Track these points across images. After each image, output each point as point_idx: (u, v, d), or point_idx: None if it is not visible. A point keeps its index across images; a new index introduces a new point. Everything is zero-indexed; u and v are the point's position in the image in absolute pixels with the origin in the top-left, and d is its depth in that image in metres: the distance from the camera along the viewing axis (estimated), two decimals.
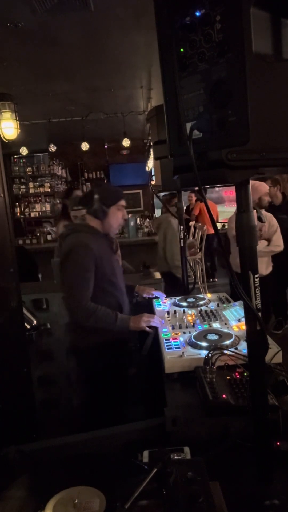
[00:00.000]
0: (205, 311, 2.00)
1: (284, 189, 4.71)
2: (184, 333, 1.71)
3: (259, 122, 0.73)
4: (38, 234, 7.51)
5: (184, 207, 6.61)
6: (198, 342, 1.56)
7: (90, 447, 1.19)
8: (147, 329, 1.92)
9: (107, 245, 2.13)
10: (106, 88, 6.16)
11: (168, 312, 2.05)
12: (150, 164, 8.18)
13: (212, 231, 6.05)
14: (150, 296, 2.41)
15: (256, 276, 0.87)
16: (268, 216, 3.57)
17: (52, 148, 8.55)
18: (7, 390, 1.91)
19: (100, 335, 2.00)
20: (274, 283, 3.89)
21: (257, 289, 0.87)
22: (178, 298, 2.33)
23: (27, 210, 9.47)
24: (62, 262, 2.02)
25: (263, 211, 3.58)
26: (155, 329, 1.89)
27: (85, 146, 8.08)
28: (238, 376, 1.31)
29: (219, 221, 8.41)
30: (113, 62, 5.14)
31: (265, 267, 3.61)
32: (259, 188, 3.46)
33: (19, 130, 4.95)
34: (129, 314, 2.11)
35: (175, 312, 2.05)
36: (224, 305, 2.09)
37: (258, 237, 3.44)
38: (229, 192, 11.30)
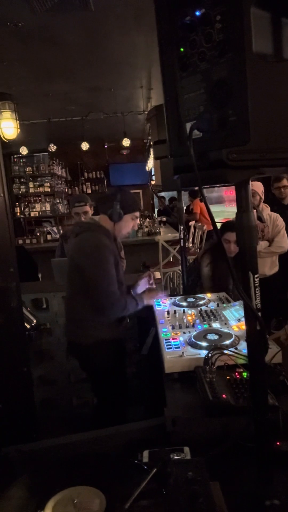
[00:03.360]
0: (205, 311, 2.00)
1: None
2: (184, 333, 1.71)
3: (259, 122, 0.73)
4: (38, 234, 7.50)
5: (184, 207, 6.62)
6: (198, 342, 1.56)
7: (90, 447, 1.19)
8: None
9: (116, 249, 2.18)
10: (106, 88, 6.16)
11: (168, 312, 2.05)
12: (150, 164, 8.18)
13: (211, 228, 6.05)
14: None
15: (256, 276, 0.87)
16: (273, 216, 3.52)
17: (52, 148, 8.55)
18: (7, 390, 1.91)
19: (102, 331, 2.06)
20: (281, 283, 3.79)
21: (257, 289, 0.87)
22: (178, 298, 2.32)
23: (27, 210, 9.47)
24: (83, 261, 2.03)
25: (268, 211, 3.54)
26: (155, 328, 1.90)
27: (85, 146, 8.08)
28: (238, 376, 1.31)
29: (217, 221, 8.43)
30: (113, 62, 5.14)
31: (268, 267, 3.54)
32: (253, 188, 3.41)
33: (19, 130, 4.96)
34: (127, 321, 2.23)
35: (175, 312, 2.05)
36: (224, 305, 2.09)
37: (260, 238, 3.41)
38: (229, 192, 11.31)
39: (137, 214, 2.19)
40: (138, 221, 2.24)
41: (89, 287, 2.04)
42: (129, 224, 2.17)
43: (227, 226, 2.66)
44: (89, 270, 2.03)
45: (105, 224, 2.14)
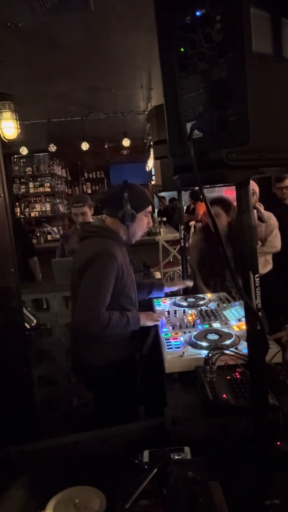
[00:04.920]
0: (205, 311, 2.00)
1: None
2: (184, 333, 1.71)
3: (259, 122, 0.73)
4: (38, 234, 7.50)
5: (184, 207, 6.61)
6: (198, 342, 1.56)
7: (90, 447, 1.19)
8: (161, 321, 1.88)
9: (127, 255, 1.95)
10: (106, 88, 6.16)
11: (168, 312, 2.05)
12: (150, 164, 8.17)
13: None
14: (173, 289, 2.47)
15: (256, 276, 0.87)
16: (266, 215, 3.52)
17: (52, 148, 8.56)
18: (7, 390, 1.91)
19: (112, 352, 1.87)
20: (276, 281, 3.80)
21: (257, 289, 0.87)
22: (178, 298, 2.33)
23: (27, 210, 9.47)
24: (81, 269, 1.81)
25: (262, 210, 3.54)
26: (155, 328, 1.89)
27: (85, 146, 8.08)
28: (238, 376, 1.31)
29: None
30: (113, 62, 5.14)
31: (262, 265, 3.52)
32: (252, 187, 3.42)
33: (19, 130, 4.95)
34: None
35: (175, 312, 2.05)
36: (224, 304, 2.09)
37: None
38: (229, 192, 11.30)
39: (150, 209, 1.93)
40: (150, 217, 1.95)
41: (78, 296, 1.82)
42: (144, 223, 1.91)
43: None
44: (83, 278, 1.79)
45: (115, 227, 1.89)
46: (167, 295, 2.61)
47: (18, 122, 4.90)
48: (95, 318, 1.72)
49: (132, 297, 1.97)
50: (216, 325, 1.79)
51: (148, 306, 2.36)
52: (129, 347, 1.96)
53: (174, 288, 2.56)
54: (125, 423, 1.36)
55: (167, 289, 2.43)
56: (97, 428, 1.26)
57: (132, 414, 1.98)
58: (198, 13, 0.78)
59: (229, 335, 1.59)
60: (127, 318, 1.83)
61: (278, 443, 1.04)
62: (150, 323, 1.90)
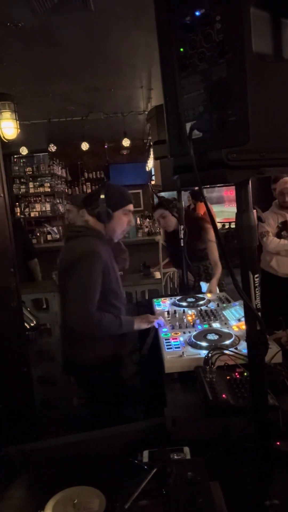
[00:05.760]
0: (205, 311, 2.00)
1: None
2: (184, 333, 1.71)
3: (259, 122, 0.73)
4: (38, 234, 7.51)
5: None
6: (198, 342, 1.56)
7: (90, 447, 1.19)
8: (156, 324, 1.88)
9: (111, 252, 2.00)
10: (106, 88, 6.15)
11: (168, 312, 2.05)
12: (150, 164, 8.17)
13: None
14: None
15: (256, 276, 0.87)
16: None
17: (52, 148, 8.55)
18: (7, 390, 1.91)
19: (101, 349, 1.90)
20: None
21: (257, 289, 0.87)
22: (178, 298, 2.33)
23: (27, 210, 9.47)
24: (69, 269, 1.85)
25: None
26: (155, 328, 1.89)
27: (85, 146, 8.07)
28: (238, 376, 1.31)
29: (218, 221, 8.41)
30: (113, 62, 5.14)
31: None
32: None
33: (19, 130, 4.95)
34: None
35: (175, 312, 2.05)
36: (224, 305, 2.09)
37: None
38: (229, 192, 11.31)
39: (130, 207, 1.97)
40: (131, 215, 2.00)
41: (67, 296, 1.85)
42: (123, 221, 1.95)
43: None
44: (71, 279, 1.83)
45: (97, 226, 1.94)
46: (167, 295, 2.61)
47: (18, 122, 4.89)
48: (86, 317, 1.78)
49: (118, 292, 2.00)
50: (215, 325, 1.79)
51: (148, 307, 2.36)
52: (119, 342, 1.98)
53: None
54: (118, 419, 1.37)
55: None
56: (92, 425, 1.26)
57: (125, 410, 2.01)
58: (197, 13, 0.78)
59: (228, 335, 1.59)
60: (120, 320, 1.88)
61: (278, 443, 1.04)
62: (145, 326, 1.92)
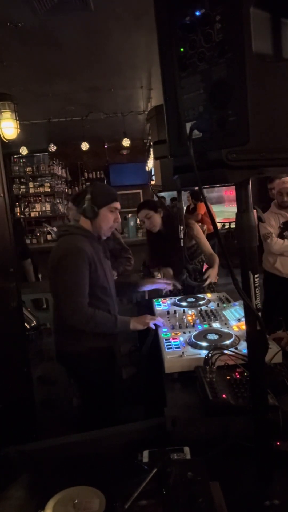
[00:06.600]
0: (205, 311, 2.00)
1: None
2: (184, 333, 1.71)
3: (259, 122, 0.73)
4: (38, 234, 7.50)
5: (184, 207, 6.60)
6: (198, 342, 1.56)
7: (90, 447, 1.18)
8: (152, 325, 1.89)
9: (100, 249, 2.05)
10: (106, 88, 6.15)
11: (168, 312, 2.05)
12: (150, 164, 8.17)
13: (212, 230, 6.03)
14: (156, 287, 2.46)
15: (256, 276, 0.87)
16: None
17: (52, 148, 8.55)
18: (7, 390, 1.91)
19: (91, 340, 1.93)
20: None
21: (257, 289, 0.87)
22: (178, 298, 2.33)
23: (27, 210, 9.47)
24: (55, 266, 1.91)
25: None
26: (155, 328, 1.89)
27: (85, 146, 8.07)
28: (238, 376, 1.31)
29: (218, 221, 8.40)
30: (113, 62, 5.14)
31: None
32: None
33: (19, 130, 4.95)
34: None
35: (175, 312, 2.05)
36: (224, 305, 2.09)
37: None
38: (229, 192, 11.31)
39: (117, 205, 2.02)
40: (118, 213, 2.04)
41: (58, 293, 1.91)
42: (109, 219, 2.00)
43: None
44: (57, 277, 1.90)
45: (84, 224, 2.01)
46: (167, 295, 2.61)
47: (18, 122, 4.89)
48: (78, 310, 1.83)
49: (107, 287, 2.03)
50: (216, 325, 1.79)
51: (147, 307, 2.36)
52: (109, 336, 1.99)
53: (152, 287, 2.50)
54: (113, 414, 1.36)
55: (145, 288, 2.47)
56: (86, 422, 1.26)
57: (116, 403, 2.05)
58: (197, 13, 0.78)
59: (228, 335, 1.59)
60: (115, 318, 1.92)
61: (278, 443, 1.04)
62: (141, 327, 1.93)
